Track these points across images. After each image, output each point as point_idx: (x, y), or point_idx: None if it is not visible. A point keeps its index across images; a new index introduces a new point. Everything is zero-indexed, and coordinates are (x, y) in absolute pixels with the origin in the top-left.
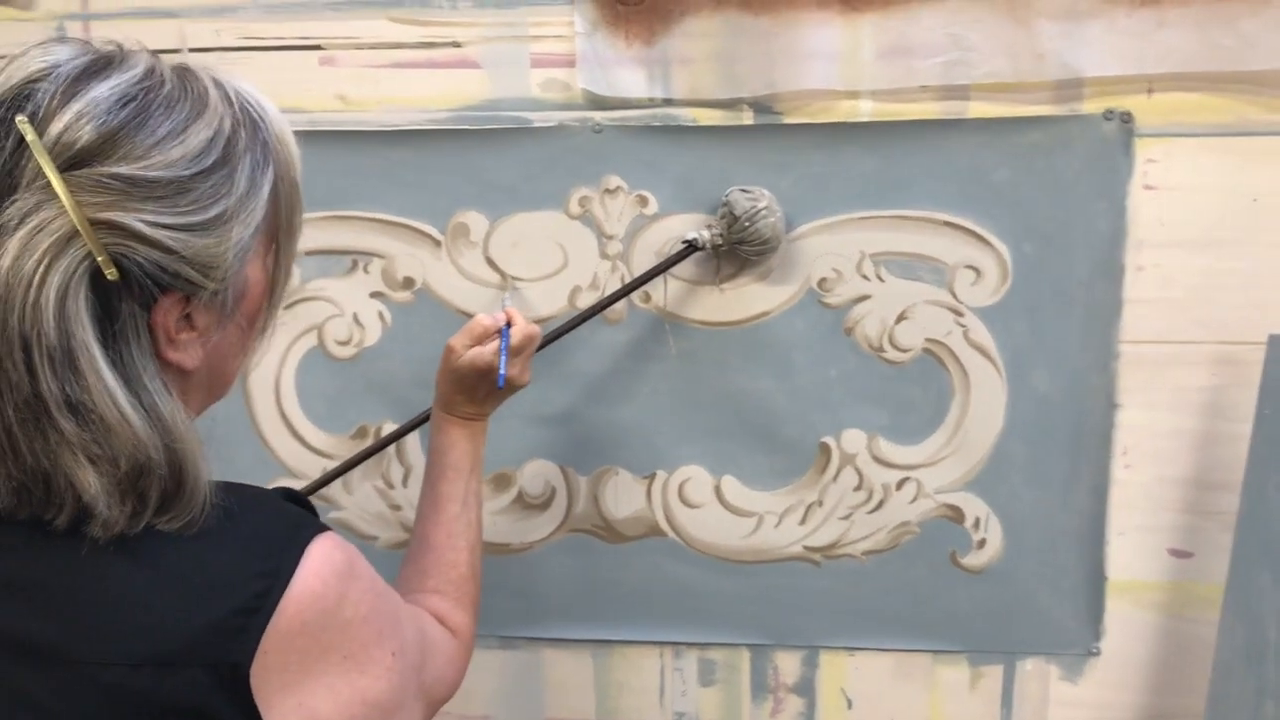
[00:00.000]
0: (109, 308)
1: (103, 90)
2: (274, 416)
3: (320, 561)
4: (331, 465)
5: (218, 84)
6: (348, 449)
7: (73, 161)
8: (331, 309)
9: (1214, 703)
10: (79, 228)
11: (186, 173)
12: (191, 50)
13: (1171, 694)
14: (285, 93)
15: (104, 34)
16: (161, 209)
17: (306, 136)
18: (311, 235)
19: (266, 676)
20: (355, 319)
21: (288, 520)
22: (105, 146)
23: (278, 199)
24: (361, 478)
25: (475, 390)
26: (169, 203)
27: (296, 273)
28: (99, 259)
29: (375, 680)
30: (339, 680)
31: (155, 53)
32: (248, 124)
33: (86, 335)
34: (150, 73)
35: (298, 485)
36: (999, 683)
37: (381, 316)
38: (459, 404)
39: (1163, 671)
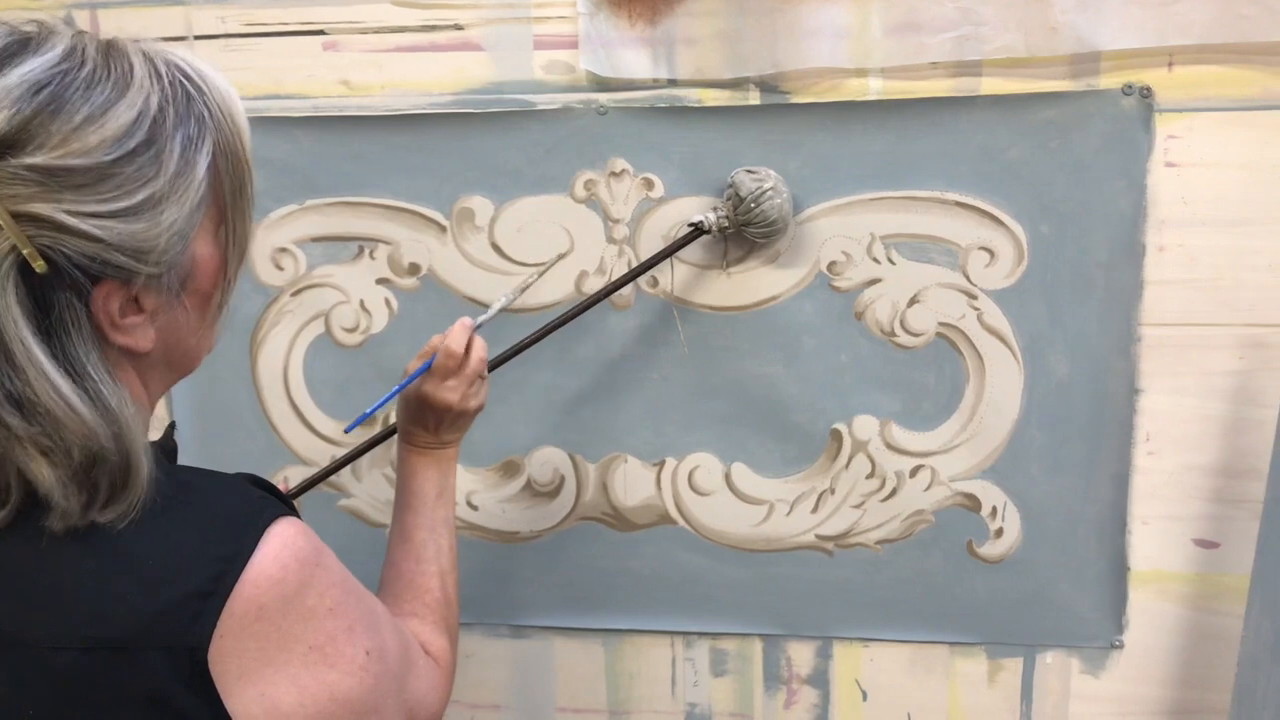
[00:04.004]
0: (42, 300)
1: (13, 78)
2: (283, 404)
3: (280, 546)
4: (340, 453)
5: (147, 59)
6: (356, 436)
7: None
8: (338, 296)
9: (1240, 698)
10: (1, 222)
11: (108, 158)
12: (198, 37)
13: (1196, 688)
14: (289, 79)
15: (112, 22)
16: (83, 197)
17: (310, 123)
18: (317, 222)
19: (225, 663)
20: (362, 306)
21: (248, 503)
22: (19, 137)
23: (218, 174)
24: (370, 465)
25: (424, 419)
26: (91, 190)
27: (303, 259)
28: (25, 252)
29: (345, 676)
30: (304, 673)
31: (80, 30)
32: (179, 99)
33: (20, 329)
34: (70, 54)
35: (307, 472)
36: (1018, 675)
37: (388, 303)
38: (414, 433)
39: (1187, 665)
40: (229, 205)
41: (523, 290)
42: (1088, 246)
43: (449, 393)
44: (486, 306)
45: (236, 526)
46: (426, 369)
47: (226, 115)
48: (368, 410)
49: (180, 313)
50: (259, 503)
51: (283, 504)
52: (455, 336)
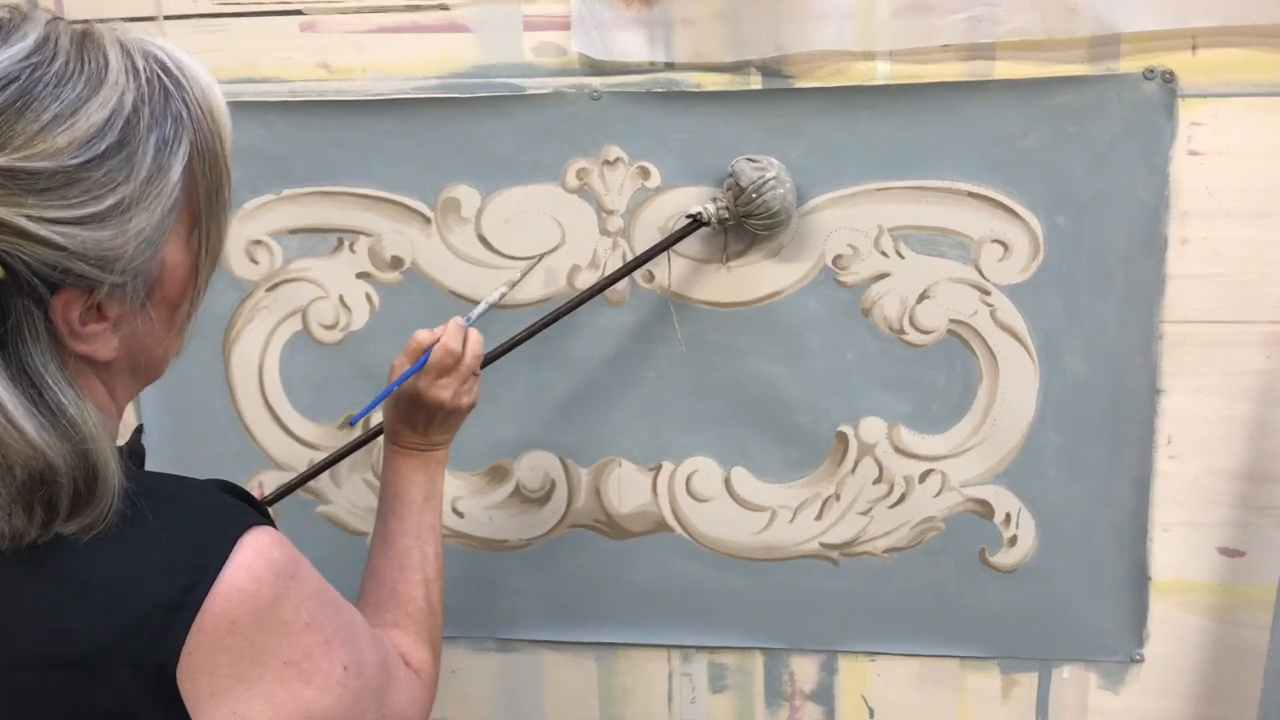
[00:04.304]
0: None
1: None
2: (258, 406)
3: (253, 556)
4: (319, 457)
5: (125, 51)
6: (336, 439)
7: None
8: (316, 291)
9: (1266, 713)
10: None
11: (75, 161)
12: (168, 17)
13: (1220, 704)
14: (265, 61)
15: (79, 1)
16: (47, 202)
17: (287, 108)
18: (294, 212)
19: (195, 680)
20: (341, 301)
21: (219, 512)
22: None
23: (194, 176)
24: (351, 470)
25: (413, 418)
26: (55, 195)
27: (279, 252)
28: None
29: (322, 693)
30: (279, 689)
31: (55, 18)
32: (156, 96)
33: None
34: (42, 44)
35: (284, 478)
36: (1033, 691)
37: (369, 298)
38: (402, 433)
39: (1211, 679)
40: (203, 209)
41: (512, 287)
42: (1106, 239)
43: (441, 390)
44: (473, 302)
45: (207, 536)
46: (422, 365)
47: (206, 112)
48: (371, 402)
49: (145, 321)
50: (231, 510)
51: (256, 512)
52: (452, 333)
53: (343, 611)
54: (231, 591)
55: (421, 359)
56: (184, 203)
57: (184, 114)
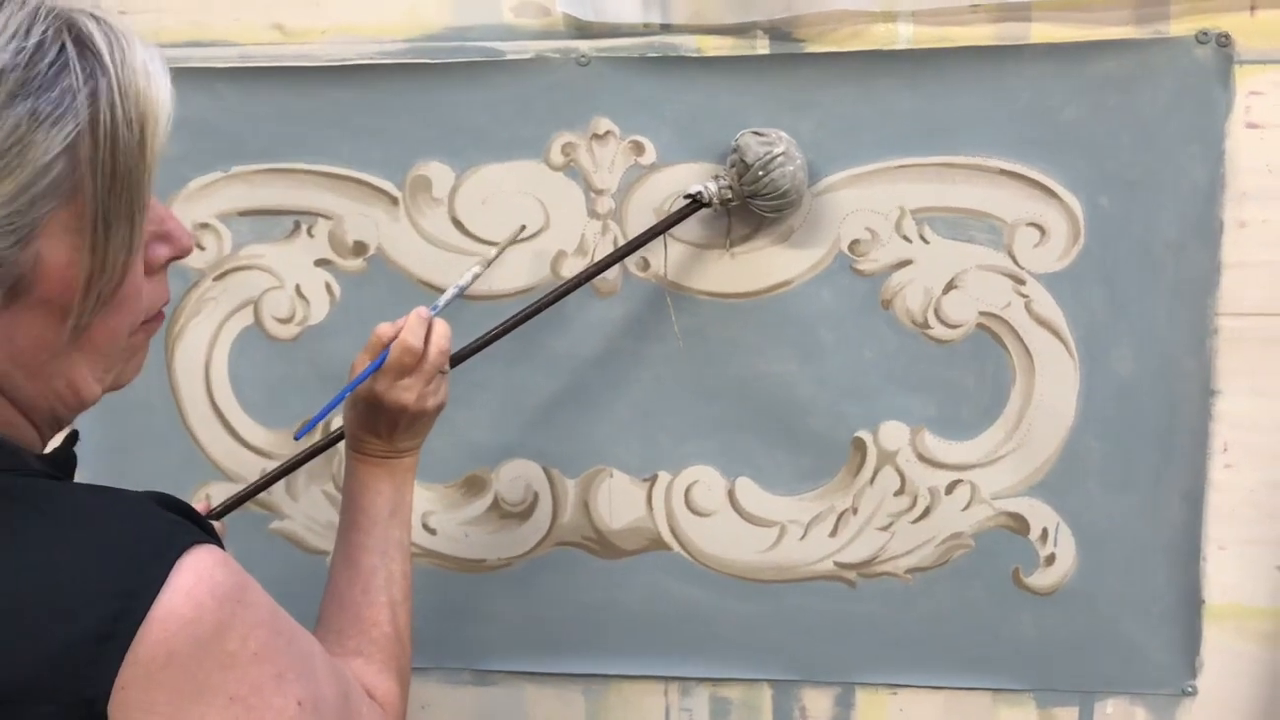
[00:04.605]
0: None
1: None
2: (204, 409)
3: (194, 579)
4: (272, 466)
5: (33, 13)
6: (291, 446)
7: None
8: (269, 280)
9: None
10: None
11: None
12: None
13: None
14: (213, 23)
15: None
16: None
17: (237, 74)
18: (245, 192)
19: (129, 718)
20: (298, 292)
21: (155, 529)
22: None
23: (80, 162)
24: (309, 480)
25: (375, 424)
26: None
27: (228, 237)
28: None
29: None
30: None
31: None
32: (46, 62)
33: None
34: None
35: (234, 488)
36: None
37: (329, 288)
38: (364, 439)
39: (1269, 714)
40: (102, 204)
41: (487, 265)
42: (1155, 223)
43: (404, 392)
44: (444, 292)
45: (140, 556)
46: (380, 364)
47: (124, 96)
48: (319, 412)
49: (21, 327)
50: (169, 527)
51: (199, 528)
52: (412, 328)
53: (297, 640)
54: (169, 619)
55: (379, 358)
56: (68, 191)
57: (80, 92)
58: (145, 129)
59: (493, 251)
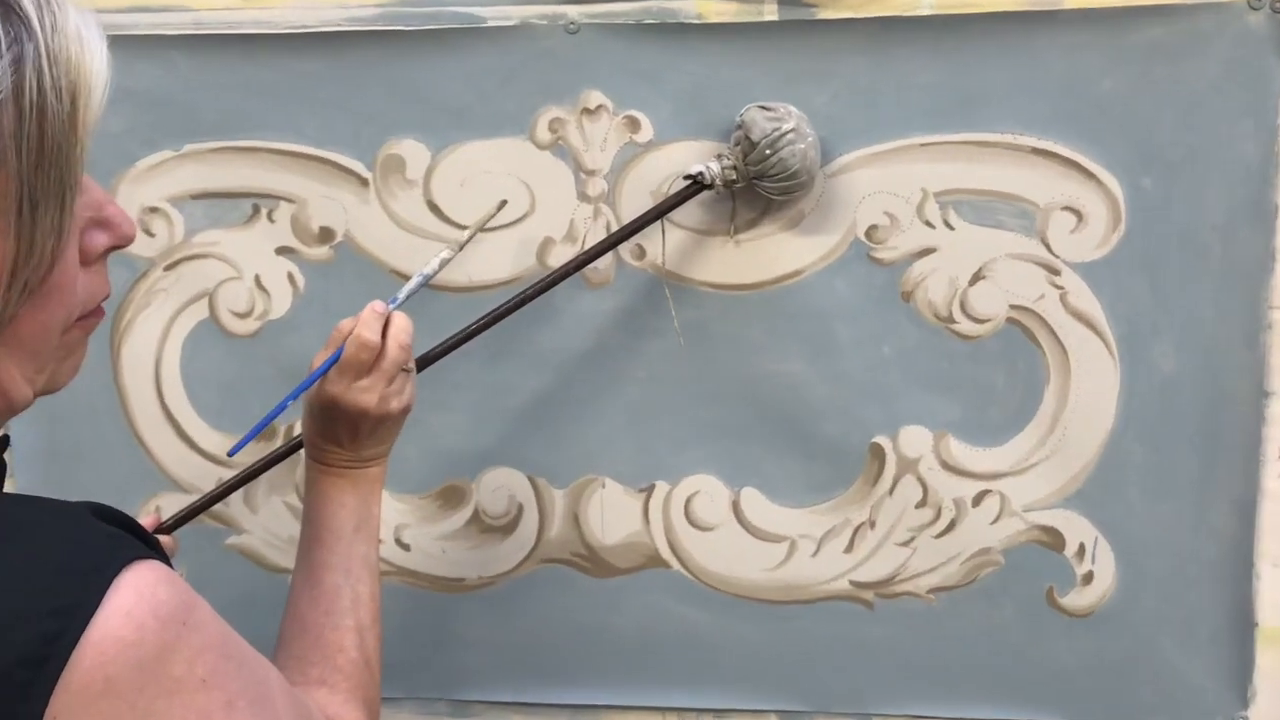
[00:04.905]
0: None
1: None
2: (154, 412)
3: (134, 598)
4: (229, 475)
5: None
6: (250, 453)
7: None
8: (226, 270)
9: None
10: None
11: None
12: None
13: None
14: None
15: None
16: None
17: (191, 42)
18: (199, 173)
19: None
20: (257, 283)
21: (92, 542)
22: None
23: (2, 136)
24: (269, 491)
25: (334, 431)
26: None
27: (180, 222)
28: None
29: None
30: None
31: None
32: None
33: None
34: None
35: (187, 500)
36: None
37: (291, 279)
38: (324, 448)
39: None
40: (28, 182)
41: (459, 249)
42: (1202, 206)
43: (363, 394)
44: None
45: (75, 572)
46: (333, 364)
47: (56, 62)
48: (257, 424)
49: None
50: (107, 541)
51: (141, 542)
52: (367, 321)
53: (250, 666)
54: (106, 642)
55: (333, 355)
56: None
57: (3, 58)
58: (77, 100)
59: (464, 234)
